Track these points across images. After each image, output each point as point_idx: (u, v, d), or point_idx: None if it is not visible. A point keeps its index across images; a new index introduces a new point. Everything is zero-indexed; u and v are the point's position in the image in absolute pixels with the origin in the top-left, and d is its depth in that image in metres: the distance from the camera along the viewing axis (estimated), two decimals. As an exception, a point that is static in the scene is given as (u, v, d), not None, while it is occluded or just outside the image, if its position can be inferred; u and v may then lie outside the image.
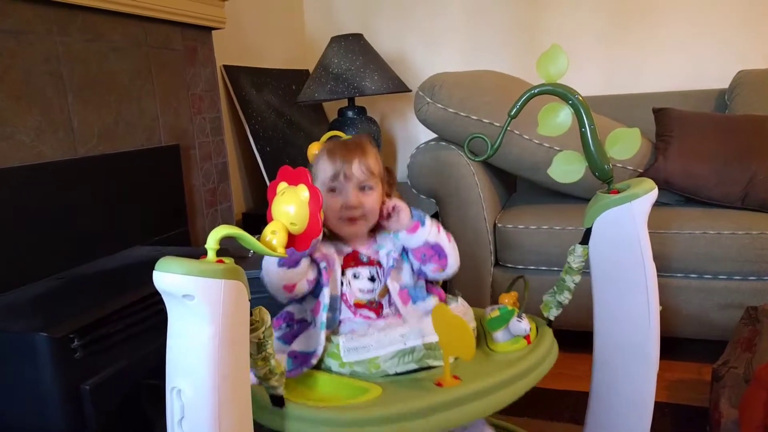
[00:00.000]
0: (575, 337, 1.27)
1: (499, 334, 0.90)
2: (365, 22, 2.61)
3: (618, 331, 0.93)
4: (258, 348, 0.68)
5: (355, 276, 0.93)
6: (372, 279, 0.93)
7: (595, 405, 0.98)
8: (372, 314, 0.91)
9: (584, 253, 0.92)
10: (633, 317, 0.91)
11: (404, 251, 0.96)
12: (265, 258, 0.85)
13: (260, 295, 1.35)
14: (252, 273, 1.40)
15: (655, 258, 0.90)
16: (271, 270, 0.86)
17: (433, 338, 0.81)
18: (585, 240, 0.92)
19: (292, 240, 0.70)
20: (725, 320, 1.44)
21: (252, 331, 0.67)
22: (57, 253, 1.23)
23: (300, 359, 0.84)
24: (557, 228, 1.55)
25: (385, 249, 0.95)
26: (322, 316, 0.87)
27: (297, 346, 0.87)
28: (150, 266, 0.59)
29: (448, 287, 1.03)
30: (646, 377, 0.92)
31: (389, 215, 0.93)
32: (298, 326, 0.91)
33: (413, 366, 0.81)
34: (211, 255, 0.61)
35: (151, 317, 1.09)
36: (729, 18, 2.17)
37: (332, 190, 0.92)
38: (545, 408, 1.33)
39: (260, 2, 2.37)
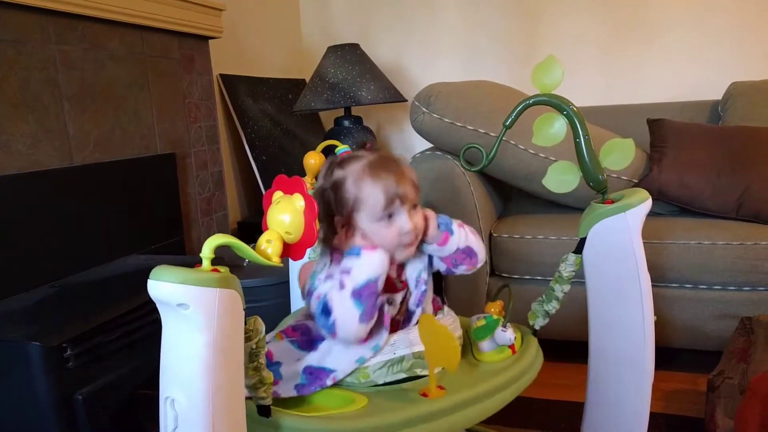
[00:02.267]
0: (570, 346, 1.27)
1: (485, 344, 0.90)
2: (362, 32, 2.63)
3: (613, 342, 0.93)
4: (250, 357, 0.67)
5: (389, 302, 0.85)
6: (401, 303, 0.88)
7: (591, 415, 0.98)
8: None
9: (576, 262, 0.92)
10: (628, 327, 0.91)
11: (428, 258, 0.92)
12: (343, 312, 0.77)
13: (255, 304, 1.35)
14: (247, 282, 1.41)
15: (650, 268, 0.90)
16: (351, 326, 0.77)
17: (422, 347, 0.79)
18: (578, 249, 0.92)
19: (288, 249, 0.70)
20: (720, 330, 1.44)
21: (246, 340, 0.66)
22: (51, 262, 1.23)
23: (315, 375, 0.79)
24: (552, 237, 1.55)
25: (413, 266, 0.89)
26: (367, 353, 0.80)
27: (315, 360, 0.81)
28: (145, 275, 0.59)
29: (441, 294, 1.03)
30: (641, 387, 0.92)
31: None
32: (315, 338, 0.86)
33: (402, 375, 0.80)
34: (206, 264, 0.60)
35: (145, 326, 1.09)
36: (722, 30, 2.19)
37: (387, 217, 0.82)
38: (540, 419, 1.33)
39: (257, 12, 2.38)
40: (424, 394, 0.77)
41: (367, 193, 0.81)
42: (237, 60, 2.23)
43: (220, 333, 0.59)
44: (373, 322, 0.79)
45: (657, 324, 0.91)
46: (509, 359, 0.89)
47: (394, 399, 0.78)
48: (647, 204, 0.89)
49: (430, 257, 0.92)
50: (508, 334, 0.89)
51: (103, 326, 1.00)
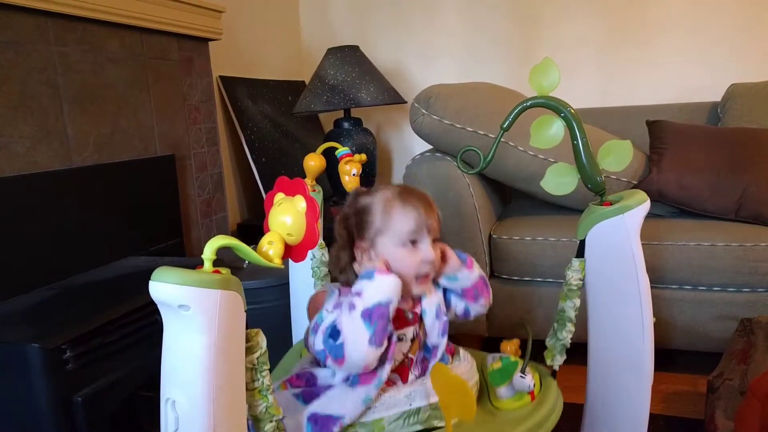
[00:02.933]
0: (571, 348, 1.27)
1: (502, 390, 0.86)
2: (361, 34, 2.63)
3: (612, 343, 0.93)
4: (252, 375, 0.65)
5: (399, 338, 0.83)
6: (413, 339, 0.85)
7: (590, 417, 0.98)
8: (399, 379, 0.83)
9: (581, 266, 0.91)
10: (627, 329, 0.91)
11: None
12: (352, 332, 0.75)
13: (256, 306, 1.35)
14: (248, 284, 1.41)
15: (649, 270, 0.90)
16: (362, 348, 0.75)
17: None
18: (580, 253, 0.92)
19: (289, 251, 0.70)
20: (720, 332, 1.44)
21: (249, 351, 0.65)
22: (51, 263, 1.23)
23: (321, 423, 0.76)
24: (552, 239, 1.55)
25: (428, 300, 0.87)
26: (372, 391, 0.77)
27: (320, 407, 0.78)
28: (144, 277, 0.59)
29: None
30: (640, 389, 0.92)
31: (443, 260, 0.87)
32: (319, 389, 0.82)
33: (419, 427, 0.78)
34: (208, 265, 0.60)
35: (145, 328, 1.08)
36: (721, 32, 2.20)
37: (410, 243, 0.83)
38: (540, 420, 1.33)
39: (257, 13, 2.38)
40: None
41: (396, 217, 0.83)
42: (237, 62, 2.23)
43: (221, 334, 0.59)
44: (382, 349, 0.76)
45: (656, 325, 0.91)
46: (528, 407, 0.85)
47: None
48: (646, 206, 0.89)
49: (445, 298, 0.91)
50: (527, 381, 0.85)
51: (102, 328, 1.00)
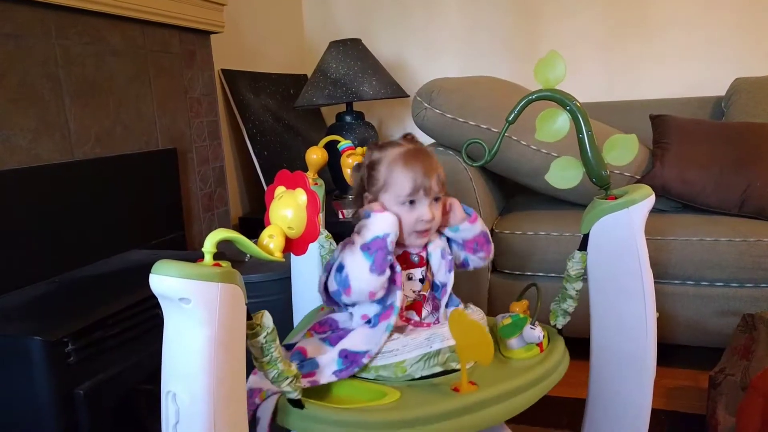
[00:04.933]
0: (573, 344, 1.27)
1: (513, 341, 0.90)
2: (364, 27, 2.62)
3: (615, 338, 0.93)
4: (262, 352, 0.68)
5: (409, 278, 0.92)
6: (422, 280, 0.92)
7: (592, 412, 0.98)
8: (415, 316, 0.91)
9: (582, 259, 0.92)
10: (630, 324, 0.91)
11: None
12: (353, 264, 0.85)
13: (257, 299, 1.35)
14: (250, 277, 1.40)
15: (652, 264, 0.90)
16: (363, 276, 0.84)
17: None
18: (583, 246, 0.92)
19: (290, 244, 0.69)
20: (722, 327, 1.44)
21: (253, 336, 0.66)
22: (52, 256, 1.23)
23: (351, 358, 0.83)
24: (554, 234, 1.55)
25: (433, 244, 0.95)
26: (392, 319, 0.85)
27: (348, 344, 0.85)
28: (146, 270, 0.59)
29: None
30: (642, 384, 0.92)
31: (446, 212, 0.94)
32: (343, 331, 0.90)
33: (438, 369, 0.81)
34: (208, 258, 0.60)
35: (146, 321, 1.08)
36: (726, 26, 2.18)
37: (408, 203, 0.90)
38: (543, 415, 1.33)
39: (259, 6, 2.37)
40: (456, 389, 0.78)
41: (397, 177, 0.89)
42: (238, 55, 2.23)
43: (222, 328, 0.59)
44: (384, 277, 0.84)
45: (659, 320, 0.91)
46: (538, 357, 0.89)
47: (427, 393, 0.79)
48: (650, 200, 0.89)
49: (450, 246, 0.98)
50: (536, 332, 0.89)
51: (104, 321, 1.00)
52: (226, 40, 2.00)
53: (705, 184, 1.55)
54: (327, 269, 0.91)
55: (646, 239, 0.89)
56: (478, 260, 0.99)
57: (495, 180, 1.77)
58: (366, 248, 0.84)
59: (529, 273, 1.59)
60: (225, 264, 0.61)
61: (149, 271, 0.58)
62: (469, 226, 0.95)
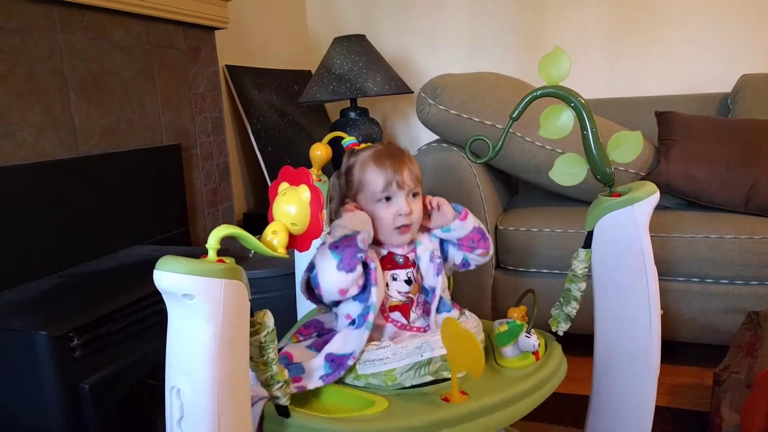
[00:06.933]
0: (577, 340, 1.27)
1: (508, 350, 0.88)
2: (368, 23, 2.61)
3: (619, 335, 0.93)
4: (260, 351, 0.67)
5: (393, 278, 0.92)
6: (408, 281, 0.92)
7: (596, 409, 0.98)
8: (402, 318, 0.90)
9: (587, 257, 0.91)
10: (634, 321, 0.90)
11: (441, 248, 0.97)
12: (322, 262, 0.85)
13: (261, 295, 1.35)
14: (253, 273, 1.41)
15: (657, 262, 0.89)
16: (329, 274, 0.84)
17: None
18: (587, 244, 0.92)
19: (293, 240, 0.69)
20: (727, 325, 1.44)
21: (253, 333, 0.66)
22: (58, 252, 1.23)
23: (337, 362, 0.82)
24: (558, 231, 1.55)
25: (423, 246, 0.95)
26: (370, 317, 0.85)
27: (333, 348, 0.84)
28: (150, 266, 0.59)
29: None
30: (646, 381, 0.92)
31: (430, 213, 0.95)
32: (328, 335, 0.90)
33: (429, 378, 0.80)
34: (212, 254, 0.60)
35: (150, 317, 1.09)
36: (732, 22, 2.17)
37: (384, 199, 0.91)
38: (546, 411, 1.32)
39: (263, 2, 2.37)
40: (446, 399, 0.77)
41: (370, 175, 0.92)
42: (243, 51, 2.23)
43: (226, 323, 0.60)
44: (354, 274, 0.84)
45: (663, 318, 0.91)
46: (533, 366, 0.87)
47: (416, 402, 0.77)
48: (655, 197, 0.88)
49: (443, 249, 0.98)
50: (531, 341, 0.87)
51: (109, 316, 1.01)
52: (230, 36, 2.00)
53: (710, 181, 1.54)
54: (308, 269, 0.90)
55: (651, 236, 0.89)
56: (477, 258, 0.98)
57: (499, 176, 1.77)
58: (334, 247, 0.84)
59: (533, 270, 1.59)
60: (229, 260, 0.61)
61: (154, 267, 0.58)
62: (461, 224, 0.95)
